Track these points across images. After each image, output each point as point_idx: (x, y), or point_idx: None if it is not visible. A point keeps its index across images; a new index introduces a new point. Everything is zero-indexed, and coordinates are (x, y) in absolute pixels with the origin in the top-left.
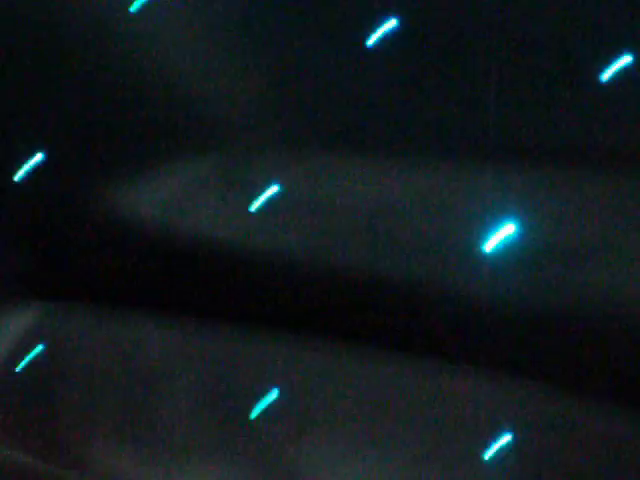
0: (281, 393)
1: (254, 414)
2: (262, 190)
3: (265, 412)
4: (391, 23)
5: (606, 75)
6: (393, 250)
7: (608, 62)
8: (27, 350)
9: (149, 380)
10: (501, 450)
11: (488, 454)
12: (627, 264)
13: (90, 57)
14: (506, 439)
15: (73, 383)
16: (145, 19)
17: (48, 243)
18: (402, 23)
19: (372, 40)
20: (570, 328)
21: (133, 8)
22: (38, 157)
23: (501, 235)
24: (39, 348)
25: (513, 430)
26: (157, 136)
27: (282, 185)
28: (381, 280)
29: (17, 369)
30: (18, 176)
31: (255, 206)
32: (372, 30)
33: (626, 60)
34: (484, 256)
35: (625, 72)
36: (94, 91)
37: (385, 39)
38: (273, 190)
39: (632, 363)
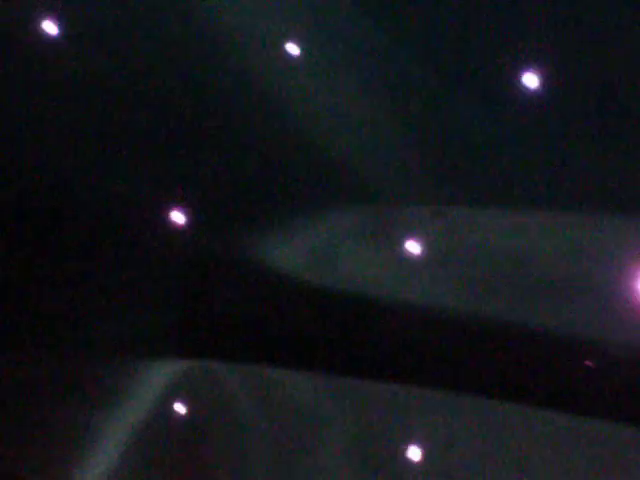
0: (422, 449)
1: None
2: (405, 244)
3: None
4: (532, 79)
5: None
6: (540, 298)
7: None
8: (170, 408)
9: (296, 437)
10: None
11: None
12: None
13: (242, 116)
14: None
15: (218, 442)
16: (297, 77)
17: (197, 299)
18: (543, 78)
19: (513, 97)
20: None
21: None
22: (187, 214)
23: None
24: (181, 406)
25: None
26: (308, 188)
27: (426, 238)
28: (532, 329)
29: (159, 427)
30: (163, 232)
31: (401, 258)
32: (514, 89)
33: None
34: (631, 306)
35: None
36: (248, 146)
37: (526, 95)
38: (417, 243)
39: None
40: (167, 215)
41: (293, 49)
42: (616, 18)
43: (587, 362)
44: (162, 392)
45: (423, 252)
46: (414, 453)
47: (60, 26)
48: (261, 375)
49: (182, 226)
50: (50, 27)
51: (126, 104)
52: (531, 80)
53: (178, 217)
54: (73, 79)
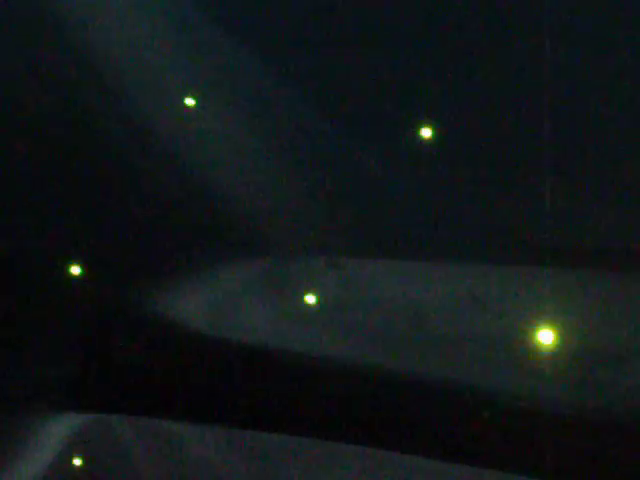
0: None
1: None
2: (302, 296)
3: None
4: (427, 130)
5: None
6: (437, 350)
7: None
8: (66, 462)
9: None
10: None
11: None
12: None
13: (143, 166)
14: None
15: None
16: (185, 127)
17: (95, 352)
18: (439, 128)
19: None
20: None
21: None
22: (86, 267)
23: (546, 337)
24: (78, 460)
25: None
26: (208, 241)
27: (321, 292)
28: (426, 381)
29: None
30: (61, 285)
31: (296, 311)
32: (408, 141)
33: None
34: (532, 355)
35: None
36: (148, 196)
37: (423, 145)
38: (313, 295)
39: None
40: (66, 267)
41: (190, 101)
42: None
43: (484, 413)
44: (60, 446)
45: (320, 303)
46: None
47: None
48: (158, 428)
49: (81, 278)
50: None
51: (23, 153)
52: (425, 132)
53: (76, 269)
54: None
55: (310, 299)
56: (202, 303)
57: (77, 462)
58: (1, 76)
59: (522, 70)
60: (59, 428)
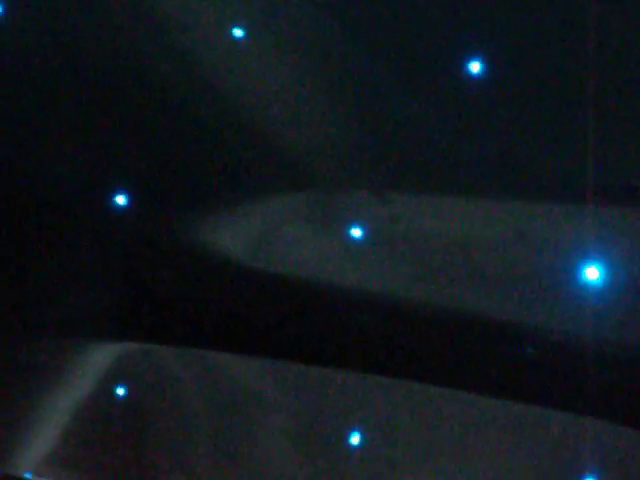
0: (363, 435)
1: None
2: (348, 229)
3: (347, 454)
4: (476, 66)
5: None
6: (487, 285)
7: None
8: (109, 391)
9: (236, 420)
10: None
11: None
12: None
13: (184, 100)
14: None
15: (160, 426)
16: (233, 60)
17: (138, 282)
18: (487, 65)
19: (456, 86)
20: None
21: (218, 48)
22: (128, 198)
23: (593, 274)
24: (121, 389)
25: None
26: (249, 173)
27: (368, 225)
28: (474, 315)
29: (101, 410)
30: (105, 214)
31: (341, 244)
32: (455, 77)
33: None
34: (580, 293)
35: None
36: (189, 131)
37: (470, 82)
38: (359, 230)
39: None
40: (108, 198)
41: (238, 32)
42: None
43: (528, 349)
44: (104, 375)
45: (366, 237)
46: (357, 438)
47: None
48: (204, 359)
49: (123, 209)
50: None
51: (64, 87)
52: (474, 67)
53: (119, 200)
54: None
55: (355, 232)
56: (245, 234)
57: (120, 391)
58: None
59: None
60: (102, 356)
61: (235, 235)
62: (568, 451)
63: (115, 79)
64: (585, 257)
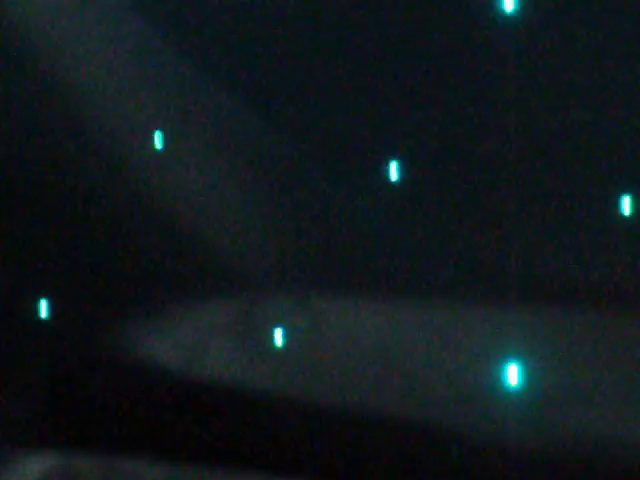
0: None
1: None
2: (272, 334)
3: None
4: (394, 168)
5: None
6: (405, 387)
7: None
8: None
9: None
10: None
11: None
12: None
13: (106, 203)
14: None
15: None
16: (154, 165)
17: (62, 391)
18: (406, 168)
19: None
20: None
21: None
22: (51, 305)
23: (512, 374)
24: None
25: None
26: (177, 280)
27: (290, 330)
28: (393, 420)
29: None
30: (27, 323)
31: (263, 351)
32: (380, 172)
33: None
34: (499, 393)
35: None
36: (115, 235)
37: (390, 185)
38: (282, 334)
39: None
40: (31, 307)
41: (158, 137)
42: None
43: (452, 451)
44: None
45: (288, 343)
46: None
47: None
48: (127, 469)
49: (51, 318)
50: None
51: None
52: (392, 170)
53: (42, 309)
54: None
55: (279, 339)
56: (174, 344)
57: None
58: None
59: (492, 110)
60: (25, 467)
61: (164, 345)
62: None
63: (34, 184)
64: (505, 359)
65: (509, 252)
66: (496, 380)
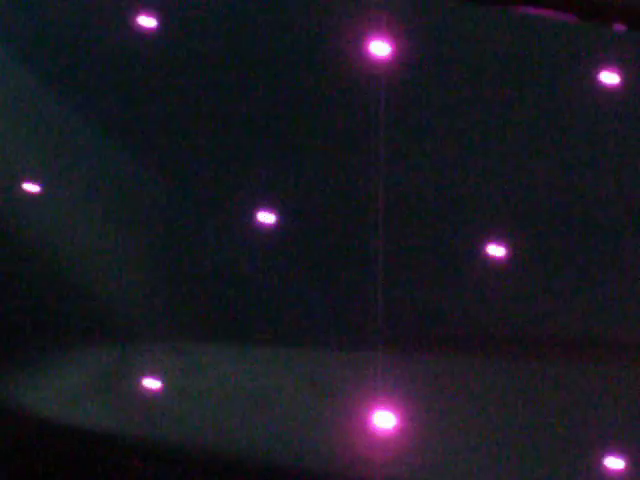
0: None
1: None
2: (145, 382)
3: None
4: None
5: None
6: (277, 434)
7: None
8: None
9: None
10: None
11: None
12: None
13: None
14: None
15: None
16: (32, 213)
17: None
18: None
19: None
20: None
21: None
22: None
23: (384, 419)
24: None
25: None
26: (47, 331)
27: (164, 377)
28: (266, 466)
29: None
30: None
31: (138, 397)
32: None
33: None
34: (368, 439)
35: None
36: None
37: (264, 228)
38: (155, 382)
39: None
40: None
41: (33, 185)
42: None
43: None
44: None
45: (163, 389)
46: None
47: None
48: None
49: None
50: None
51: None
52: (267, 218)
53: None
54: None
55: (152, 386)
56: (49, 393)
57: None
58: None
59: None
60: None
61: (39, 394)
62: None
63: None
64: (376, 403)
65: (376, 297)
66: (365, 423)
